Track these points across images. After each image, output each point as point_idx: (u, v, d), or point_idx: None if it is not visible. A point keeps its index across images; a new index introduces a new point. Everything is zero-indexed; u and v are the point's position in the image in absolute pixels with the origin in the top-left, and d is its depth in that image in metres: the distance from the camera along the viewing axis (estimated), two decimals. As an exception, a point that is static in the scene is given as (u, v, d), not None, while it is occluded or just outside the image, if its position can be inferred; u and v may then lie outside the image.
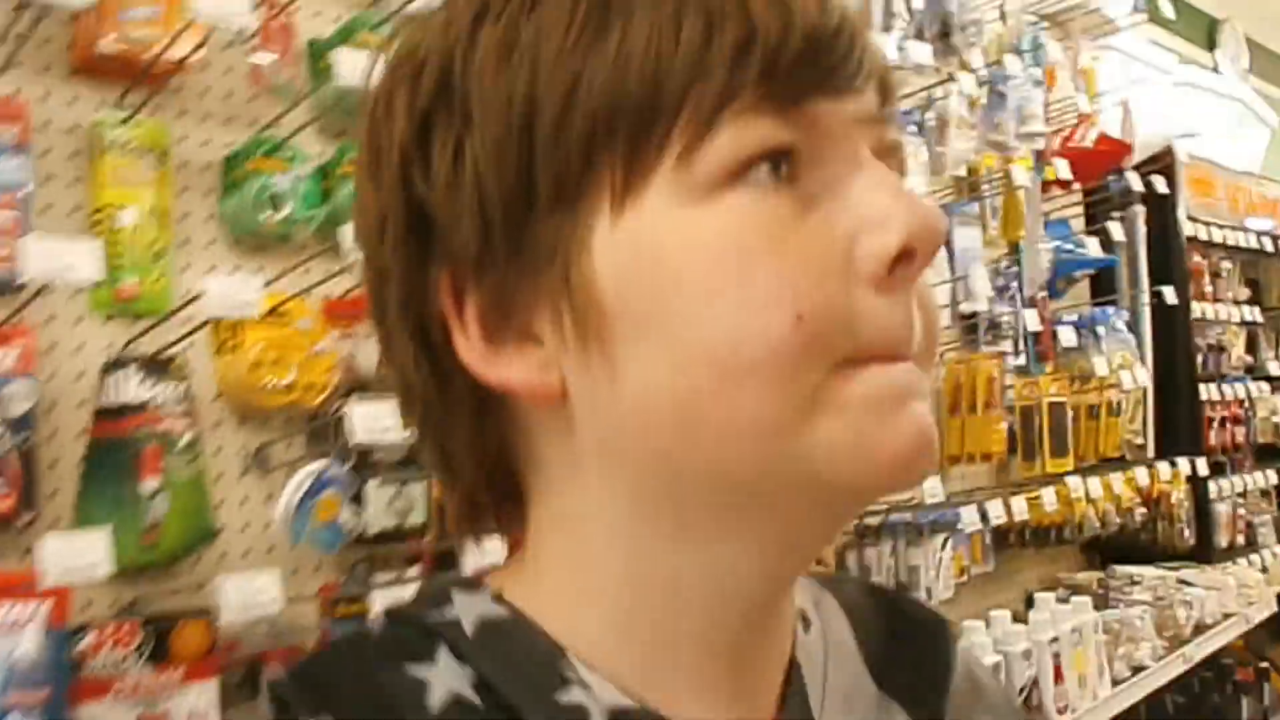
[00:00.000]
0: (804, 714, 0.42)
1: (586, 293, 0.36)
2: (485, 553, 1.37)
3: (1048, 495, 2.27)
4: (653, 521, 0.39)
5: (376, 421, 1.19)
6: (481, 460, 0.41)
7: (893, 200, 0.36)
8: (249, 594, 1.09)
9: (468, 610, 0.40)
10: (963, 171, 2.39)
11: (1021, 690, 2.03)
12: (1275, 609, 3.00)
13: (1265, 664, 3.14)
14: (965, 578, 2.24)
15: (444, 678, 0.38)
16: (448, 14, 0.38)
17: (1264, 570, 3.03)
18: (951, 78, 2.14)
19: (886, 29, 1.96)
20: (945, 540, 2.13)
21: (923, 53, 1.94)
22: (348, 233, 1.25)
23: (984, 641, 2.01)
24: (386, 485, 1.38)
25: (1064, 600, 2.32)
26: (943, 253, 2.30)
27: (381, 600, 1.27)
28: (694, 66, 0.35)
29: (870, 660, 0.45)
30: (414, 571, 1.44)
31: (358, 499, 1.35)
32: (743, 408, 0.35)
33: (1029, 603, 2.33)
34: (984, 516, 2.07)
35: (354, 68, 1.15)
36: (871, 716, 0.44)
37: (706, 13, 0.35)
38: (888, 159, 0.39)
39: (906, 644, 0.47)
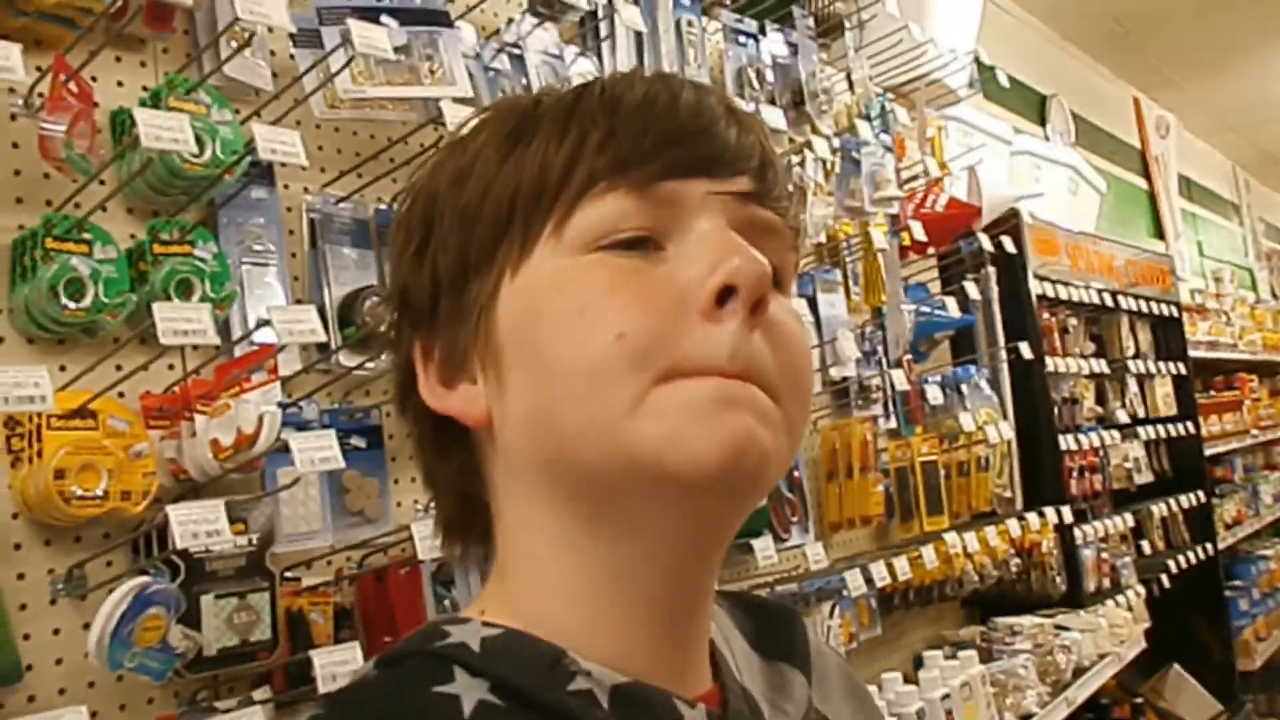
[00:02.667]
0: (731, 682, 0.52)
1: (490, 335, 0.49)
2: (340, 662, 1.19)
3: (928, 553, 2.27)
4: (571, 521, 0.48)
5: (201, 525, 1.05)
6: (454, 484, 0.53)
7: (719, 251, 0.46)
8: (44, 743, 0.92)
9: (467, 635, 0.47)
10: (822, 238, 2.42)
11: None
12: (1144, 646, 3.09)
13: (1139, 699, 3.22)
14: (854, 644, 2.21)
15: (468, 690, 0.45)
16: (439, 156, 0.54)
17: (1129, 609, 3.12)
18: (808, 145, 2.18)
19: (738, 99, 1.98)
20: (832, 607, 2.10)
21: (775, 117, 1.97)
22: (174, 322, 1.12)
23: (878, 705, 1.96)
24: (224, 598, 1.23)
25: (951, 656, 2.31)
26: (811, 319, 2.31)
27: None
28: (568, 164, 0.48)
29: (748, 639, 0.58)
30: (262, 694, 1.28)
31: (192, 617, 1.20)
32: (581, 409, 0.45)
33: (917, 663, 2.31)
34: (869, 579, 2.05)
35: (160, 132, 1.03)
36: (765, 678, 0.56)
37: (582, 126, 0.48)
38: (762, 234, 0.48)
39: (769, 624, 0.60)
